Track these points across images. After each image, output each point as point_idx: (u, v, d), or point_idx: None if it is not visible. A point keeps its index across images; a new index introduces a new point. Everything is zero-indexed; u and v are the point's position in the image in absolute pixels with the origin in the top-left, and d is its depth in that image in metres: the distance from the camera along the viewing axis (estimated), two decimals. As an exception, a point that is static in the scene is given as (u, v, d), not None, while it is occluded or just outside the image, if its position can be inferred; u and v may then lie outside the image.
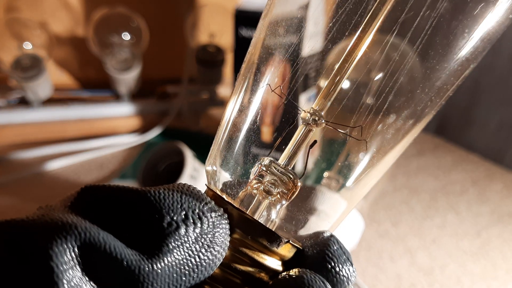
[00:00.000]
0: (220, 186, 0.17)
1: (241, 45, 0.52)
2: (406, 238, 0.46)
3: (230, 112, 0.18)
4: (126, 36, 0.69)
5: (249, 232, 0.15)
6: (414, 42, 0.16)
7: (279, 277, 0.15)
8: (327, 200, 0.18)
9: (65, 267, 0.11)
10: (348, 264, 0.16)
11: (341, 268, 0.15)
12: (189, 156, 0.43)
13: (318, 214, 0.18)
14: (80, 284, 0.11)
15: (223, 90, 0.75)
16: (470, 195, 0.57)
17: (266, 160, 0.16)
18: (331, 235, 0.16)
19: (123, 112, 0.72)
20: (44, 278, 0.10)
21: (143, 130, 0.71)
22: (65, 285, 0.11)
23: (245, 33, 0.49)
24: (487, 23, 0.16)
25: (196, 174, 0.43)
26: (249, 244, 0.15)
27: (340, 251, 0.16)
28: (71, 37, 0.77)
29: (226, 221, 0.14)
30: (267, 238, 0.15)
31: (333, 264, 0.15)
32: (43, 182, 0.55)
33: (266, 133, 0.32)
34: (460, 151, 0.73)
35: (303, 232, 0.17)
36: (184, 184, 0.14)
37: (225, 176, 0.18)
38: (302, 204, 0.18)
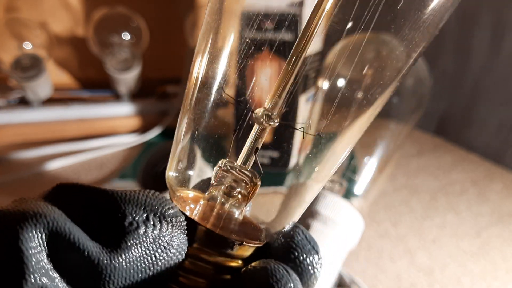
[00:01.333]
0: (184, 189, 0.18)
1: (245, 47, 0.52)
2: (406, 238, 0.46)
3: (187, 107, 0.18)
4: (126, 36, 0.69)
5: (206, 241, 0.15)
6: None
7: (243, 270, 0.15)
8: (295, 192, 0.18)
9: (33, 251, 0.12)
10: (312, 253, 0.16)
11: (305, 258, 0.16)
12: (198, 156, 0.43)
13: (286, 206, 0.18)
14: (46, 268, 0.12)
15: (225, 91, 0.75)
16: (470, 195, 0.57)
17: (224, 162, 0.17)
18: (296, 226, 0.17)
19: (123, 112, 0.72)
20: (13, 260, 0.11)
21: (143, 130, 0.71)
22: (33, 267, 0.12)
23: (248, 34, 0.49)
24: None
25: (201, 174, 0.43)
26: (207, 251, 0.15)
27: (304, 241, 0.16)
28: (71, 37, 0.77)
29: (184, 228, 0.15)
30: (222, 244, 0.15)
31: (296, 254, 0.16)
32: (43, 182, 0.55)
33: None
34: (460, 151, 0.73)
35: (274, 224, 0.17)
36: (151, 190, 0.15)
37: (188, 179, 0.18)
38: (266, 201, 0.18)
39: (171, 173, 0.18)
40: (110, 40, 0.68)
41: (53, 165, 0.58)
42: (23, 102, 0.69)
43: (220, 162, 0.17)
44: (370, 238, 0.46)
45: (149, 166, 0.46)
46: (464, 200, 0.56)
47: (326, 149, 0.18)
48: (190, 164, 0.18)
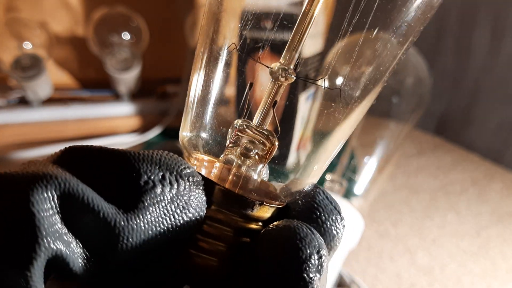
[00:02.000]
0: (199, 151, 0.17)
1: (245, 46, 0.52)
2: (406, 237, 0.46)
3: (196, 80, 0.18)
4: (126, 36, 0.69)
5: (224, 202, 0.15)
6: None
7: (264, 230, 0.14)
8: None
9: (45, 214, 0.11)
10: (335, 213, 0.16)
11: (327, 218, 0.15)
12: None
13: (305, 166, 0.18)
14: (60, 232, 0.11)
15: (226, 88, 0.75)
16: (470, 195, 0.57)
17: (240, 122, 0.16)
18: (317, 186, 0.16)
19: (123, 112, 0.72)
20: (26, 223, 0.11)
21: (143, 130, 0.71)
22: (46, 230, 0.11)
23: (249, 34, 0.49)
24: None
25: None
26: (225, 213, 0.15)
27: (326, 201, 0.16)
28: (71, 36, 0.77)
29: (202, 187, 0.14)
30: (241, 204, 0.15)
31: (318, 213, 0.15)
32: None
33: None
34: (460, 151, 0.73)
35: (291, 186, 0.17)
36: (165, 151, 0.14)
37: (202, 141, 0.17)
38: (285, 160, 0.18)
39: (185, 133, 0.17)
40: (110, 40, 0.68)
41: (53, 165, 0.58)
42: (23, 102, 0.69)
43: (235, 122, 0.16)
44: (370, 238, 0.46)
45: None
46: (464, 199, 0.56)
47: (319, 145, 0.17)
48: (204, 125, 0.18)
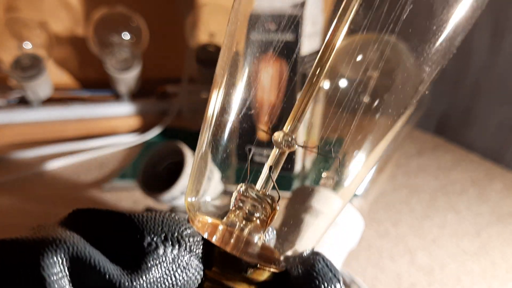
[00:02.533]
0: (203, 214, 0.18)
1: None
2: (406, 237, 0.46)
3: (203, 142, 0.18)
4: (126, 36, 0.69)
5: (223, 263, 0.15)
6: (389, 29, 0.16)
7: None
8: (323, 201, 0.19)
9: (55, 277, 0.12)
10: (334, 281, 0.16)
11: (326, 287, 0.15)
12: (189, 156, 0.43)
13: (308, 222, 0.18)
14: None
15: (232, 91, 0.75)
16: (470, 195, 0.57)
17: (243, 187, 0.17)
18: (317, 253, 0.17)
19: (123, 111, 0.72)
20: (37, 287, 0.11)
21: (143, 130, 0.71)
22: None
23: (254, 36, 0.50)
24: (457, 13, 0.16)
25: (211, 176, 0.43)
26: (225, 275, 0.16)
27: (325, 269, 0.16)
28: (71, 36, 0.77)
29: (202, 247, 0.15)
30: (237, 266, 0.15)
31: (317, 283, 0.15)
32: (43, 182, 0.55)
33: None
34: (460, 151, 0.73)
35: (290, 248, 0.17)
36: (168, 212, 0.15)
37: (206, 205, 0.18)
38: (288, 223, 0.18)
39: (189, 199, 0.18)
40: (110, 40, 0.68)
41: (53, 165, 0.58)
42: (23, 102, 0.69)
43: (238, 186, 0.17)
44: (370, 237, 0.46)
45: (149, 166, 0.46)
46: (464, 200, 0.56)
47: (347, 169, 0.18)
48: (209, 190, 0.18)
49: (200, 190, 0.18)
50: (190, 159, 0.42)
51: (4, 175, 0.55)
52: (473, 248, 0.45)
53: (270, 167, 0.17)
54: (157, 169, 0.46)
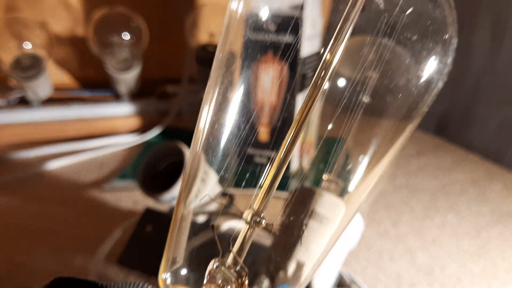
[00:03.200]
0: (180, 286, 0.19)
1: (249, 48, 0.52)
2: (406, 238, 0.46)
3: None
4: (126, 36, 0.69)
5: None
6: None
7: None
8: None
9: None
10: None
11: None
12: (201, 159, 0.43)
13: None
14: None
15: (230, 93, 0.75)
16: (470, 195, 0.57)
17: (216, 261, 0.18)
18: None
19: (123, 112, 0.72)
20: None
21: (143, 130, 0.71)
22: None
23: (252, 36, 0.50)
24: None
25: (205, 177, 0.43)
26: None
27: None
28: (71, 36, 0.77)
29: None
30: None
31: None
32: (43, 182, 0.55)
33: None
34: (460, 151, 0.73)
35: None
36: (142, 282, 0.16)
37: (182, 277, 0.19)
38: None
39: (163, 275, 0.19)
40: (110, 40, 0.68)
41: (53, 165, 0.58)
42: (23, 102, 0.69)
43: (212, 261, 0.18)
44: (370, 237, 0.46)
45: (149, 166, 0.46)
46: (464, 200, 0.56)
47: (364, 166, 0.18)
48: (184, 264, 0.19)
49: (177, 257, 0.19)
50: (202, 162, 0.42)
51: (4, 175, 0.55)
52: (473, 248, 0.45)
53: (242, 241, 0.17)
54: (157, 169, 0.46)
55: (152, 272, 0.36)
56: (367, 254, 0.43)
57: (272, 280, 0.28)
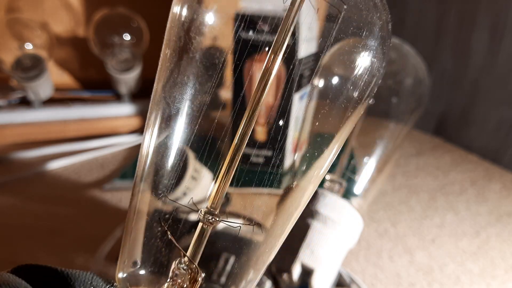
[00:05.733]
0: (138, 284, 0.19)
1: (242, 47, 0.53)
2: (405, 237, 0.47)
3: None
4: (127, 37, 0.69)
5: None
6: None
7: None
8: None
9: None
10: None
11: None
12: (191, 157, 0.43)
13: None
14: None
15: (223, 92, 0.75)
16: (469, 195, 0.58)
17: (177, 261, 0.18)
18: None
19: (123, 112, 0.72)
20: None
21: (143, 130, 0.71)
22: None
23: (245, 35, 0.50)
24: None
25: (196, 175, 0.43)
26: None
27: None
28: (72, 37, 0.77)
29: None
30: None
31: None
32: (44, 182, 0.55)
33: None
34: (459, 151, 0.73)
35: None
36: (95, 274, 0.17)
37: (141, 277, 0.20)
38: None
39: (120, 275, 0.19)
40: (111, 40, 0.69)
41: (54, 165, 0.58)
42: (24, 102, 0.69)
43: (175, 261, 0.18)
44: (369, 237, 0.46)
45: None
46: (463, 200, 0.56)
47: (317, 151, 0.18)
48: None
49: (134, 257, 0.20)
50: (191, 160, 0.43)
51: (5, 175, 0.55)
52: (472, 248, 0.45)
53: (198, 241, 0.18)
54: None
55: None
56: (367, 253, 0.43)
57: (275, 282, 0.28)
